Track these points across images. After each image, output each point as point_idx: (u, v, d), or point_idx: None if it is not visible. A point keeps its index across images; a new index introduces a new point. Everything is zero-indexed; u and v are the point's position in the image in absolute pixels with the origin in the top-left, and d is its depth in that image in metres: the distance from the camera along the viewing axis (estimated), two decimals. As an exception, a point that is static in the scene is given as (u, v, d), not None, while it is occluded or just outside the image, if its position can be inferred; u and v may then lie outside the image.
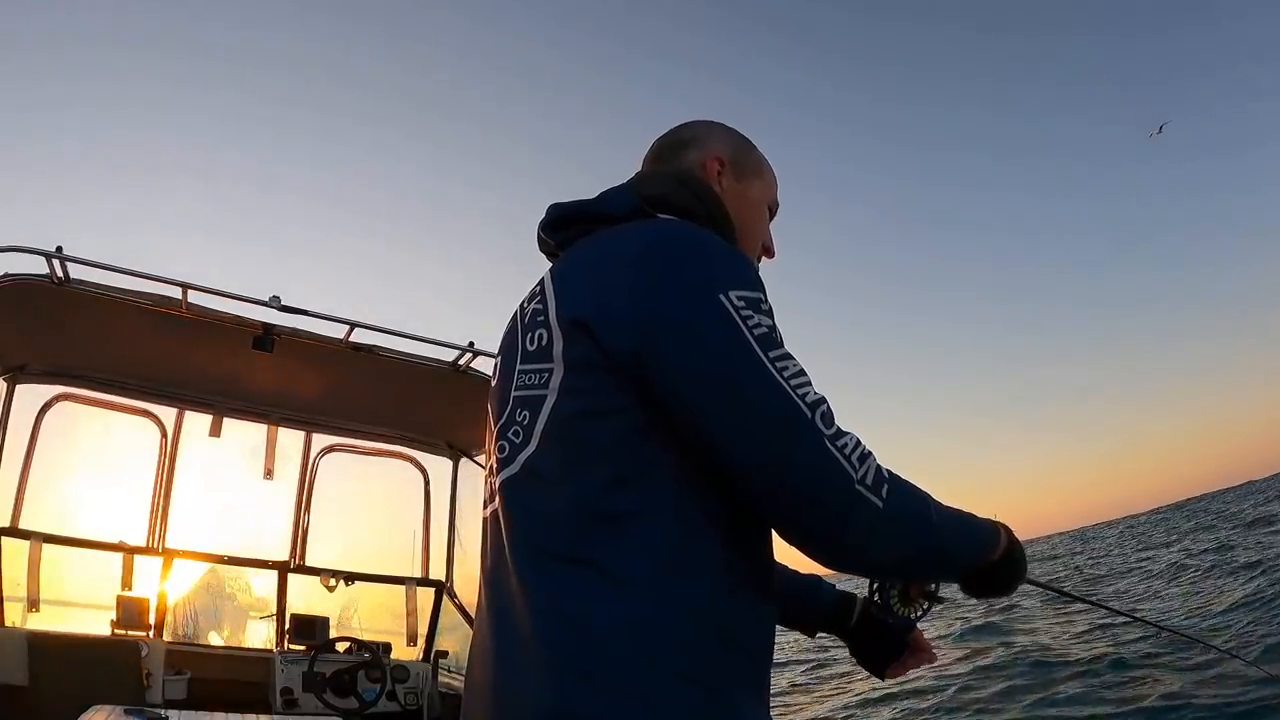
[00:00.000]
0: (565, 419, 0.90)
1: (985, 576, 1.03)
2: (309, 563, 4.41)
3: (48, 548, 3.68)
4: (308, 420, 4.45)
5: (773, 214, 1.20)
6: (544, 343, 0.94)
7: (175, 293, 3.29)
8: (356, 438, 4.60)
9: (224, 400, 4.18)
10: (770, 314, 0.90)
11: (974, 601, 1.90)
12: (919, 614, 1.20)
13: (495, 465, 0.98)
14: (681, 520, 0.87)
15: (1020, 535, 1.06)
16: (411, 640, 4.48)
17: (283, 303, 3.38)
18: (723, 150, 1.15)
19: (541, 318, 0.96)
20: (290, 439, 4.46)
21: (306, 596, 4.37)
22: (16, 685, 3.24)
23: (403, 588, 4.54)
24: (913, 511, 0.90)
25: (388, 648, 4.15)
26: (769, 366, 0.85)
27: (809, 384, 0.87)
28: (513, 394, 0.97)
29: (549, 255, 1.11)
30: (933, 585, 1.18)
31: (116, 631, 3.67)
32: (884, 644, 1.28)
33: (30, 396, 3.85)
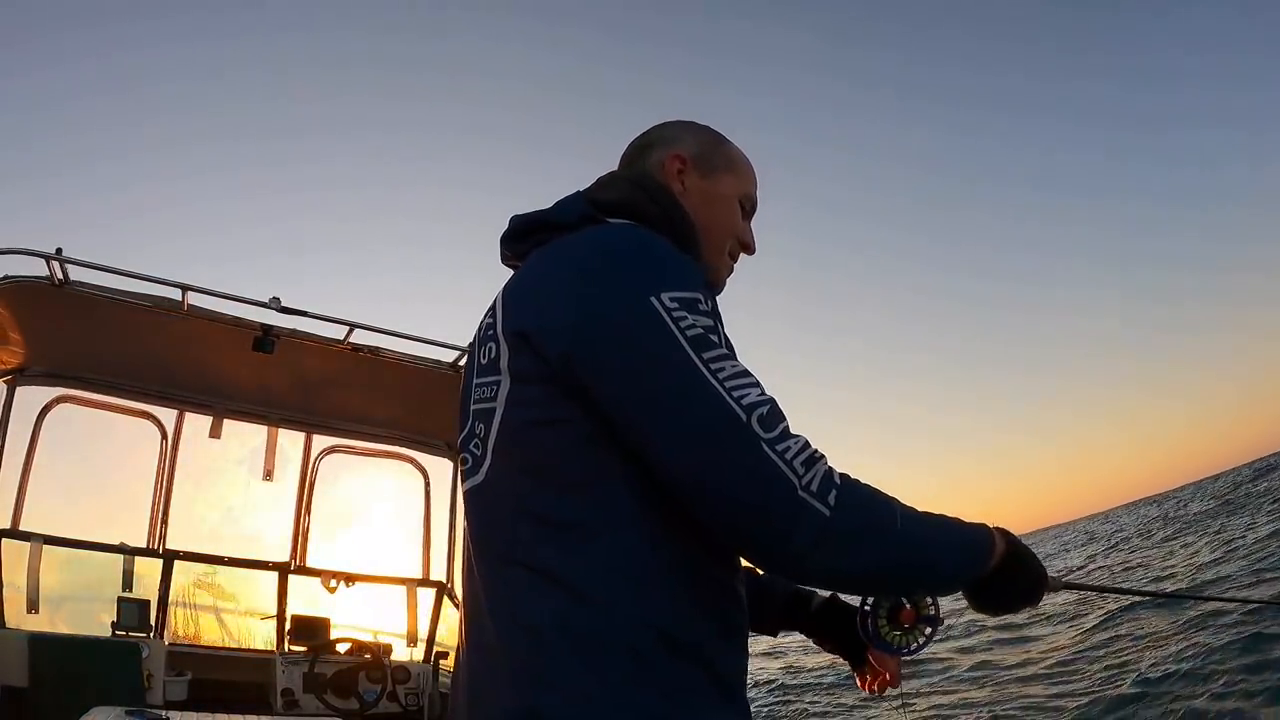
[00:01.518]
0: (514, 430, 0.91)
1: (985, 589, 0.96)
2: (310, 564, 4.41)
3: (48, 549, 3.68)
4: (308, 421, 4.45)
5: (749, 209, 1.17)
6: (493, 355, 0.95)
7: (175, 294, 3.29)
8: (357, 439, 4.60)
9: (224, 401, 4.18)
10: (710, 314, 0.87)
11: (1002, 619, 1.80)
12: (917, 644, 1.07)
13: (462, 477, 1.00)
14: (633, 528, 0.86)
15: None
16: (412, 641, 4.48)
17: (282, 304, 3.39)
18: (686, 149, 1.14)
19: (491, 331, 0.97)
20: (290, 440, 4.45)
21: (307, 598, 4.37)
22: (17, 687, 3.24)
23: (403, 589, 4.54)
24: (868, 519, 0.84)
25: (388, 649, 4.15)
26: (702, 369, 0.82)
27: (749, 385, 0.83)
28: (471, 407, 0.99)
29: (511, 268, 1.09)
30: (929, 607, 1.06)
31: (117, 633, 3.67)
32: (848, 639, 1.20)
33: (30, 398, 3.85)
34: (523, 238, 1.05)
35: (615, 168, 1.18)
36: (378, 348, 3.75)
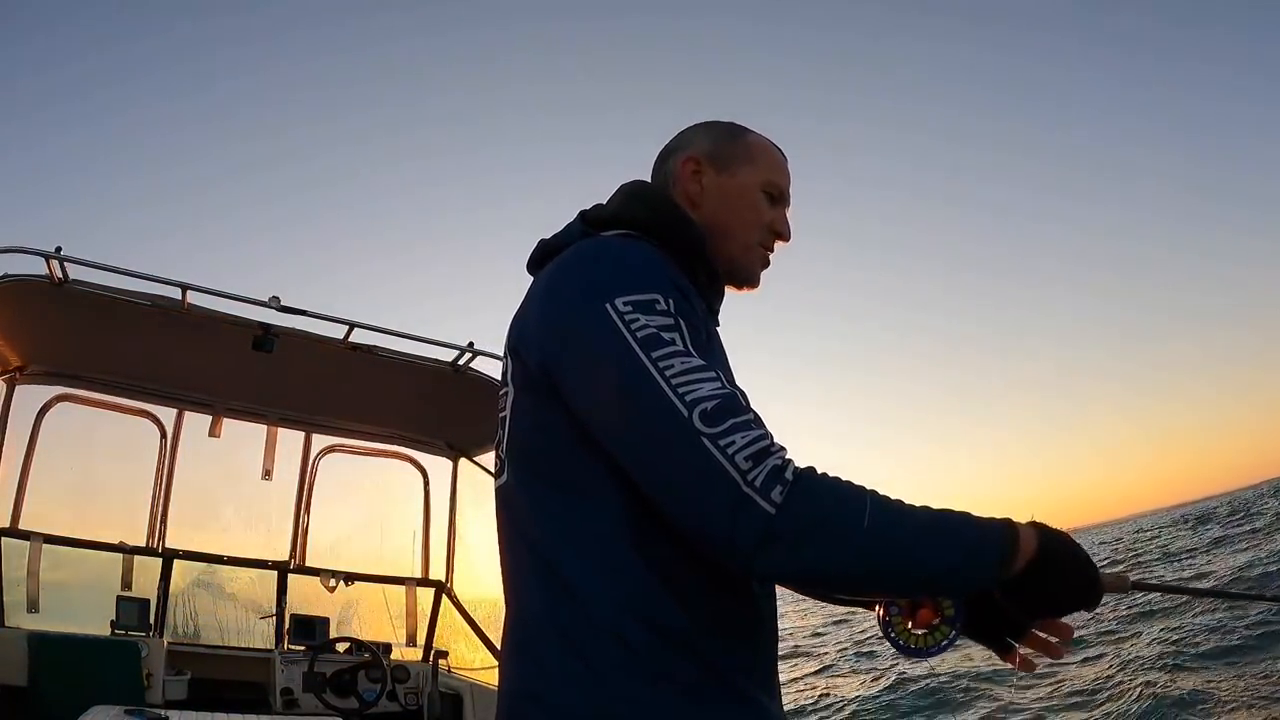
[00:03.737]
0: (518, 436, 0.98)
1: (1017, 592, 0.88)
2: (309, 563, 4.42)
3: (48, 548, 3.68)
4: (307, 420, 4.45)
5: (776, 196, 1.15)
6: (506, 369, 1.02)
7: (175, 293, 3.29)
8: (356, 438, 4.60)
9: (223, 400, 4.18)
10: (667, 313, 0.88)
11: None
12: (938, 645, 1.01)
13: (495, 478, 1.07)
14: (620, 524, 0.90)
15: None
16: (411, 640, 4.48)
17: (282, 303, 3.39)
18: (699, 149, 1.15)
19: (506, 347, 1.04)
20: (290, 439, 4.45)
21: (306, 597, 4.37)
22: (16, 686, 3.24)
23: (402, 588, 4.54)
24: (822, 517, 0.81)
25: (388, 648, 4.14)
26: (649, 367, 0.84)
27: (700, 381, 0.84)
28: (499, 416, 1.05)
29: None
30: (950, 607, 0.99)
31: (116, 632, 3.67)
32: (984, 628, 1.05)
33: (30, 397, 3.85)
34: (537, 264, 1.09)
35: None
36: (377, 347, 3.76)
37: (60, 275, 3.15)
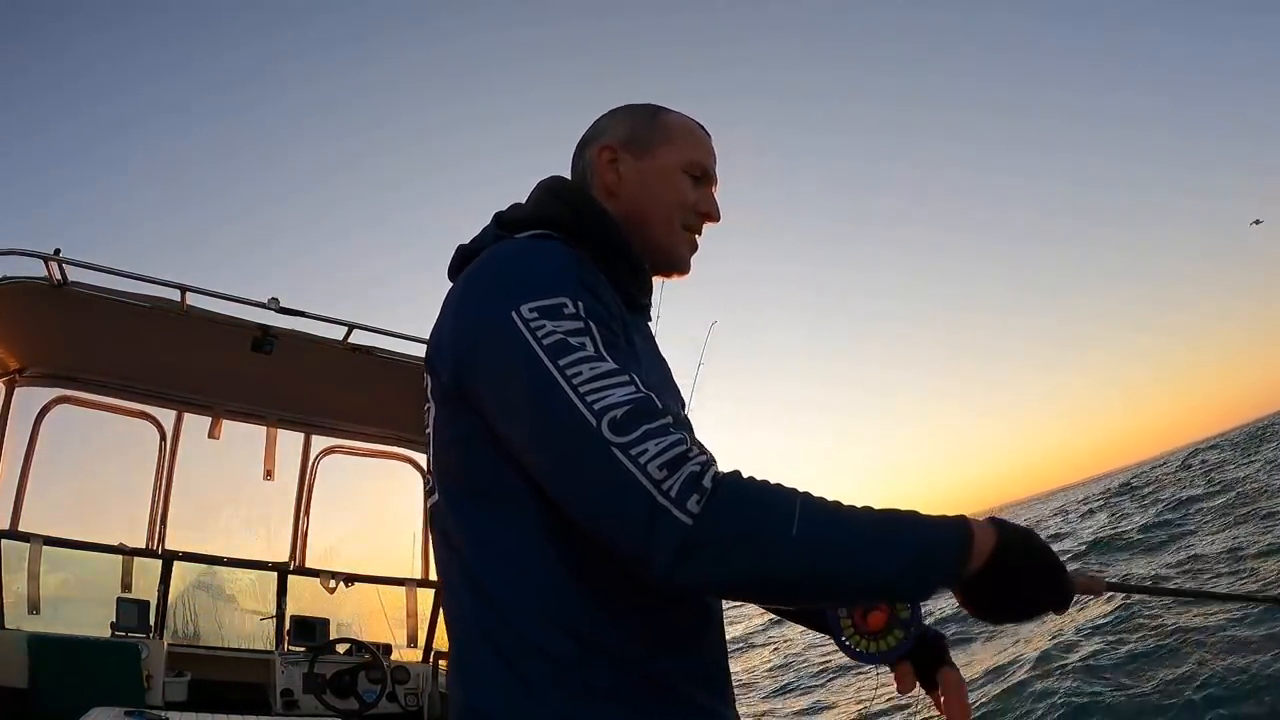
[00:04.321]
0: (439, 451, 0.97)
1: (976, 594, 0.83)
2: (309, 564, 4.42)
3: (48, 550, 3.68)
4: (307, 422, 4.45)
5: (700, 176, 1.10)
6: (424, 385, 1.01)
7: (174, 295, 3.30)
8: (355, 439, 4.60)
9: (223, 402, 4.18)
10: (575, 316, 0.85)
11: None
12: (891, 650, 0.96)
13: (428, 498, 1.06)
14: (540, 536, 0.88)
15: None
16: (411, 641, 4.48)
17: (281, 304, 3.39)
18: (615, 135, 1.10)
19: (425, 361, 1.02)
20: (289, 440, 4.45)
21: (306, 598, 4.38)
22: (17, 687, 3.24)
23: (403, 589, 4.54)
24: (745, 526, 0.77)
25: (388, 649, 4.15)
26: (556, 376, 0.81)
27: (610, 387, 0.80)
28: (426, 432, 1.03)
29: None
30: (905, 610, 0.95)
31: (117, 633, 3.67)
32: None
33: (29, 399, 3.85)
34: (456, 270, 1.04)
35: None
36: (376, 348, 3.75)
37: (59, 277, 3.15)
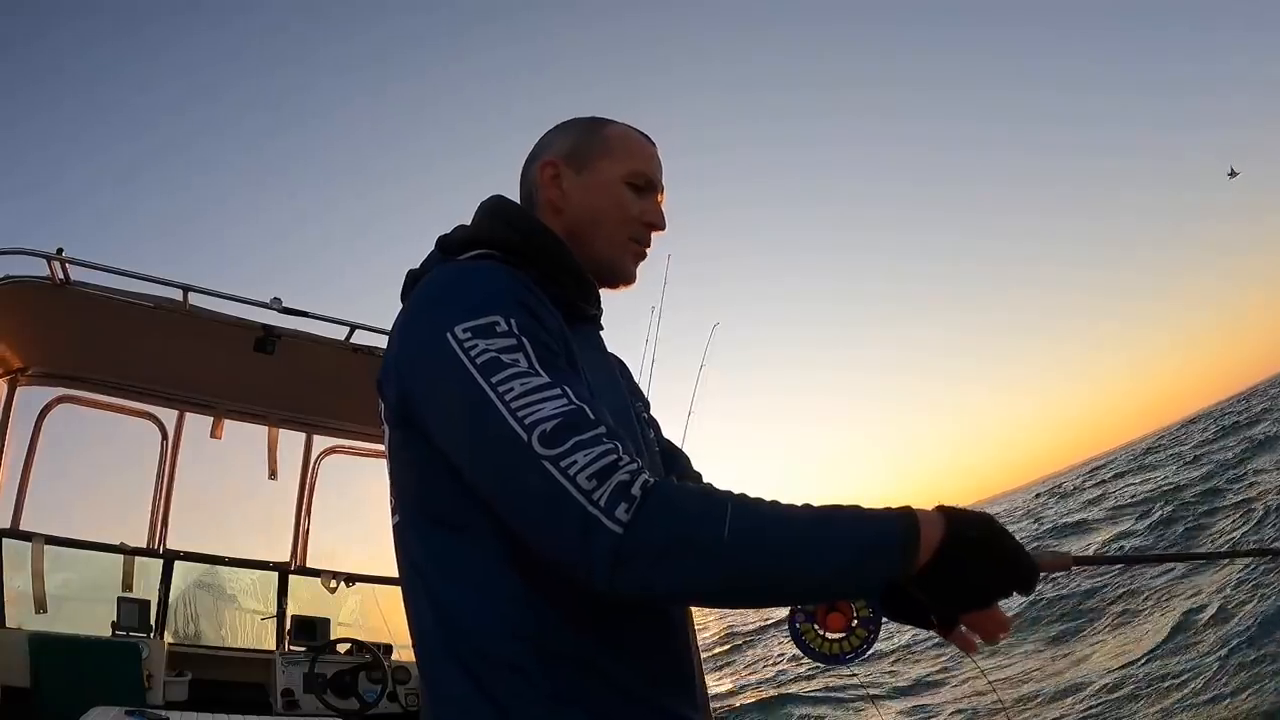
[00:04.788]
0: (394, 473, 0.99)
1: (930, 586, 0.83)
2: (310, 564, 4.42)
3: (49, 549, 3.68)
4: (309, 422, 4.45)
5: (644, 185, 1.10)
6: (379, 410, 1.02)
7: (176, 294, 3.30)
8: (357, 439, 4.60)
9: (225, 402, 4.18)
10: (508, 334, 0.86)
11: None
12: (854, 650, 0.97)
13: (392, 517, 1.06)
14: (496, 552, 0.90)
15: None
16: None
17: (284, 304, 3.39)
18: (557, 151, 1.11)
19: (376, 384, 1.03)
20: (291, 441, 4.45)
21: (307, 598, 4.37)
22: (18, 686, 3.24)
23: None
24: (676, 532, 0.78)
25: (388, 649, 4.15)
26: (489, 394, 0.82)
27: (541, 401, 0.82)
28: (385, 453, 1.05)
29: None
30: (866, 609, 0.95)
31: (117, 633, 3.67)
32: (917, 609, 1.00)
33: (31, 398, 3.85)
34: (405, 295, 1.05)
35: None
36: (379, 348, 3.75)
37: (62, 276, 3.15)
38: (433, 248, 1.08)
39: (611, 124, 1.13)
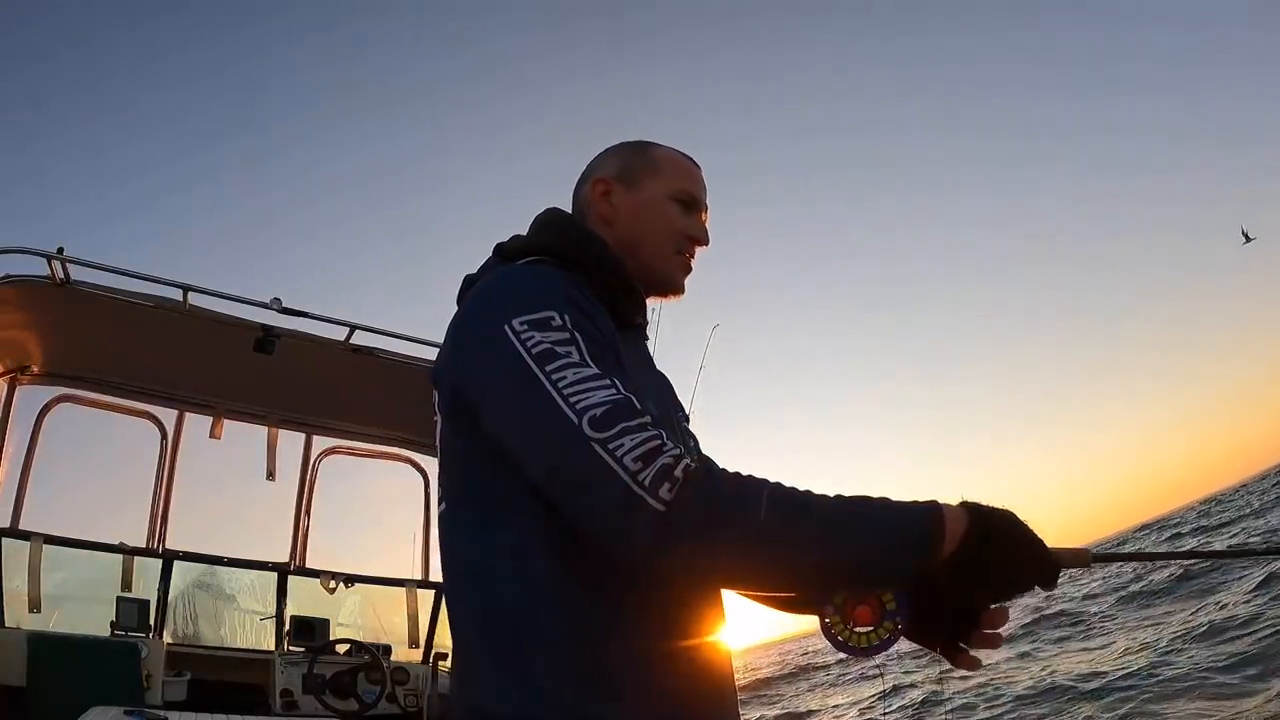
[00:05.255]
0: (446, 462, 1.04)
1: (954, 576, 0.86)
2: (309, 564, 4.42)
3: (48, 548, 3.68)
4: (308, 422, 4.45)
5: (689, 203, 1.18)
6: (433, 400, 1.07)
7: (176, 294, 3.30)
8: (357, 440, 4.61)
9: (224, 402, 4.19)
10: (563, 328, 0.92)
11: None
12: (880, 641, 0.97)
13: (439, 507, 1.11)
14: (540, 537, 0.93)
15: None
16: (412, 642, 4.48)
17: (283, 304, 3.40)
18: (607, 170, 1.19)
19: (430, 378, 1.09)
20: (290, 441, 4.46)
21: (307, 598, 4.37)
22: (16, 686, 3.24)
23: (403, 590, 4.54)
24: (716, 511, 0.82)
25: (388, 650, 4.16)
26: (543, 381, 0.87)
27: (592, 389, 0.86)
28: (436, 445, 1.08)
29: None
30: (892, 601, 0.95)
31: (116, 633, 3.67)
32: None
33: (31, 398, 3.86)
34: (461, 298, 1.12)
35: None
36: (378, 349, 3.76)
37: (62, 276, 3.16)
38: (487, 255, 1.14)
39: (659, 146, 1.21)
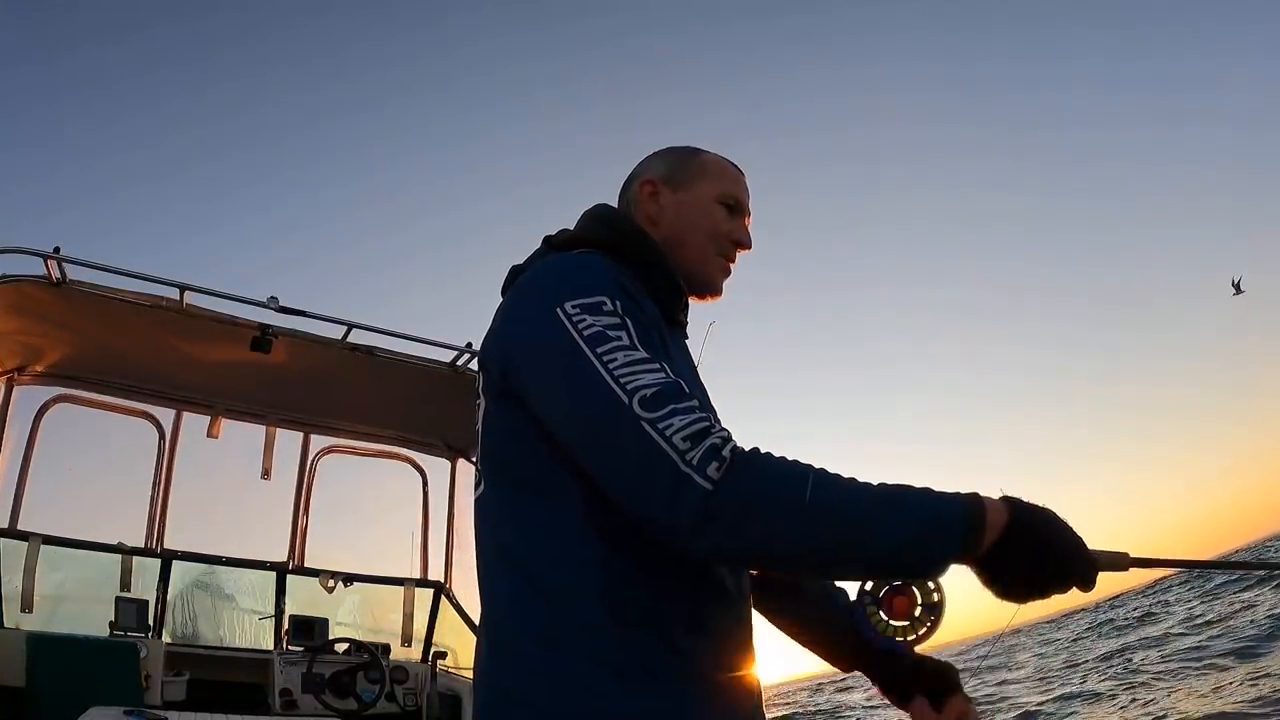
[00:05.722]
0: (489, 444, 1.05)
1: (993, 569, 0.86)
2: (308, 563, 4.42)
3: (46, 548, 3.67)
4: (306, 421, 4.45)
5: (733, 207, 1.21)
6: (478, 383, 1.09)
7: (173, 293, 3.30)
8: (354, 438, 4.60)
9: (222, 401, 4.18)
10: (613, 313, 0.94)
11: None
12: (916, 635, 0.96)
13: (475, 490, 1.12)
14: (582, 517, 0.95)
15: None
16: (410, 641, 4.48)
17: (280, 303, 3.40)
18: (655, 172, 1.22)
19: (478, 362, 1.11)
20: (288, 440, 4.45)
21: (305, 597, 4.37)
22: (14, 687, 3.24)
23: (401, 589, 4.53)
24: (762, 493, 0.83)
25: (386, 649, 4.16)
26: (594, 362, 0.89)
27: (641, 371, 0.88)
28: (476, 429, 1.10)
29: None
30: (933, 593, 0.95)
31: (115, 633, 3.66)
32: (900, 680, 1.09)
33: (28, 398, 3.85)
34: (508, 287, 1.14)
35: (622, 170, 1.29)
36: (376, 347, 3.76)
37: (59, 275, 3.16)
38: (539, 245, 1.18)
39: (706, 152, 1.25)
